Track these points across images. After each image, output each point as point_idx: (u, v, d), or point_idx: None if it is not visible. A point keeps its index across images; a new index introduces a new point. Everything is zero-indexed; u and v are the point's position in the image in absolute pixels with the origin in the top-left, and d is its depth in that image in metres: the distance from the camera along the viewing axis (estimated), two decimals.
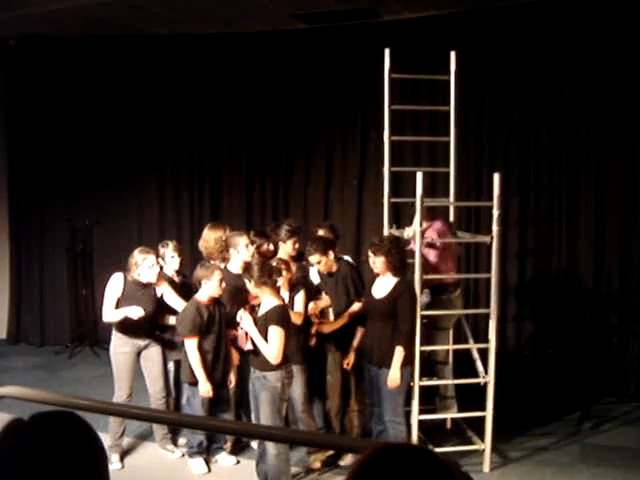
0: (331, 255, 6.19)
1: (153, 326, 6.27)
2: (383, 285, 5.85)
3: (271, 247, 6.53)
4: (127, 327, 6.08)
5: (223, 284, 5.87)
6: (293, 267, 6.30)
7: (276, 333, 5.38)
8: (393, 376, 5.64)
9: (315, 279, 6.46)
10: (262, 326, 5.45)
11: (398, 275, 5.81)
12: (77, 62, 9.67)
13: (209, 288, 5.85)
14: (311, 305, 6.11)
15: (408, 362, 5.74)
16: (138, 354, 6.21)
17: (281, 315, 5.45)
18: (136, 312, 5.97)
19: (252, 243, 6.36)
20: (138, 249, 6.14)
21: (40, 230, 10.15)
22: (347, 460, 6.06)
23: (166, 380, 6.37)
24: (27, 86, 9.90)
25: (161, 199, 9.87)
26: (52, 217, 10.05)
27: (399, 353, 5.64)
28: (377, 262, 5.81)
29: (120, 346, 6.17)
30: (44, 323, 10.23)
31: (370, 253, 5.86)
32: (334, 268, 6.27)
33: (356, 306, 6.18)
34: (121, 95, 9.70)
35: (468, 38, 7.98)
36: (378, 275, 5.89)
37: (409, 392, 5.93)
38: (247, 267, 5.71)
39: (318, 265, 6.19)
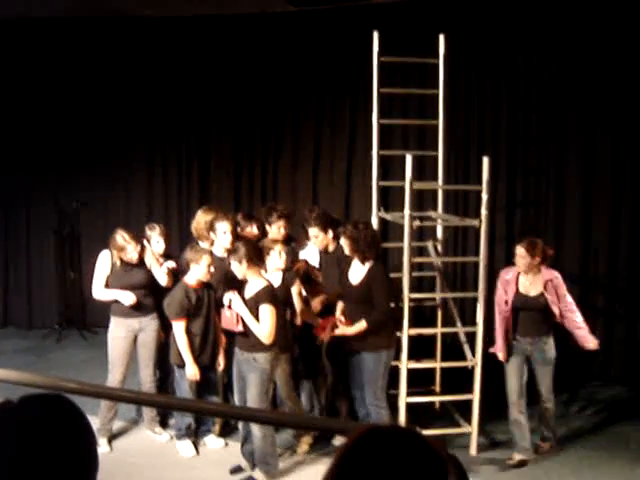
0: (330, 234, 6.23)
1: (150, 300, 6.26)
2: (357, 270, 5.87)
3: (255, 231, 6.53)
4: (122, 307, 6.13)
5: (212, 269, 5.87)
6: (283, 251, 6.33)
7: (268, 312, 5.43)
8: (344, 330, 5.79)
9: (311, 257, 6.48)
10: (252, 307, 5.49)
11: (366, 260, 5.80)
12: (63, 43, 9.57)
13: (197, 272, 5.86)
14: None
15: (386, 346, 5.77)
16: (134, 339, 6.23)
17: (272, 294, 5.52)
18: (127, 299, 6.07)
19: (237, 226, 6.38)
20: (118, 234, 6.13)
21: (27, 213, 10.09)
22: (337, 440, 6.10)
23: (156, 365, 6.39)
24: (13, 67, 9.80)
25: (149, 181, 9.83)
26: (39, 200, 9.99)
27: (360, 326, 5.70)
28: (345, 245, 5.86)
29: (115, 331, 6.20)
30: (32, 306, 10.19)
31: (342, 235, 5.93)
32: (331, 247, 6.30)
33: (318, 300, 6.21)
34: (108, 77, 9.61)
35: (457, 21, 7.96)
36: (352, 259, 5.90)
37: (395, 375, 5.95)
38: (233, 249, 5.71)
39: (315, 239, 6.22)
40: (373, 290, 5.73)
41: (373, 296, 5.73)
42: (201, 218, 6.44)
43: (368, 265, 5.80)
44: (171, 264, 6.35)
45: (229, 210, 7.42)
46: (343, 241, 5.88)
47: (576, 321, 5.88)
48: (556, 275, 5.87)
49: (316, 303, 6.22)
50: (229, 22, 9.06)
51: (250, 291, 5.58)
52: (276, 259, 5.80)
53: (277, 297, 5.61)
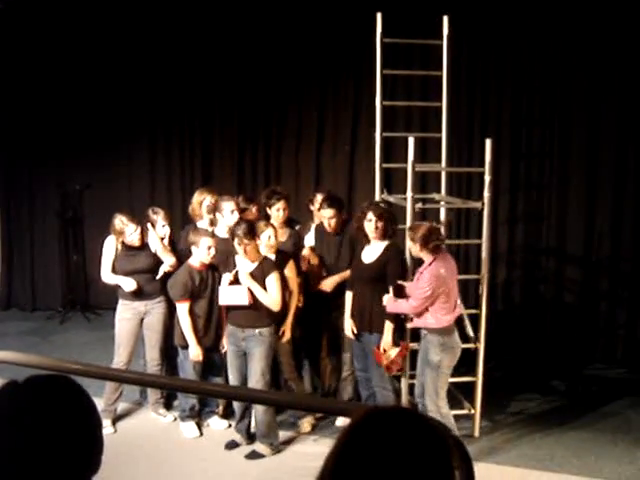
0: (343, 215, 6.25)
1: (156, 284, 6.26)
2: (372, 250, 5.84)
3: (253, 211, 6.57)
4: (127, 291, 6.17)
5: (212, 251, 5.88)
6: (285, 233, 6.33)
7: (274, 279, 5.64)
8: (386, 340, 5.65)
9: (310, 241, 6.47)
10: (259, 278, 5.64)
11: (385, 239, 5.79)
12: (66, 24, 9.51)
13: (198, 254, 5.88)
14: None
15: (396, 328, 5.77)
16: (141, 321, 6.25)
17: (275, 263, 5.75)
18: (128, 285, 6.10)
19: (238, 208, 6.39)
20: (117, 217, 6.15)
21: (30, 195, 10.09)
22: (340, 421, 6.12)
23: (163, 348, 6.39)
24: (15, 49, 9.76)
25: (152, 164, 9.82)
26: (42, 182, 9.99)
27: (390, 319, 5.66)
28: (379, 226, 5.72)
29: (122, 312, 6.24)
30: (35, 288, 10.22)
31: (372, 216, 5.73)
32: (338, 229, 6.30)
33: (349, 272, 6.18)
34: (111, 59, 9.57)
35: (461, 2, 7.90)
36: (369, 241, 5.88)
37: None
38: (235, 230, 5.70)
39: (330, 220, 6.20)
40: (388, 270, 5.70)
41: (388, 276, 5.70)
42: (195, 199, 6.63)
43: (384, 243, 5.77)
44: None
45: (231, 192, 7.43)
46: (368, 226, 5.73)
47: (401, 303, 5.57)
48: (428, 269, 5.44)
49: (330, 282, 6.23)
50: (233, 0, 9.01)
51: (251, 265, 5.70)
52: (265, 242, 5.82)
53: (279, 266, 5.80)
